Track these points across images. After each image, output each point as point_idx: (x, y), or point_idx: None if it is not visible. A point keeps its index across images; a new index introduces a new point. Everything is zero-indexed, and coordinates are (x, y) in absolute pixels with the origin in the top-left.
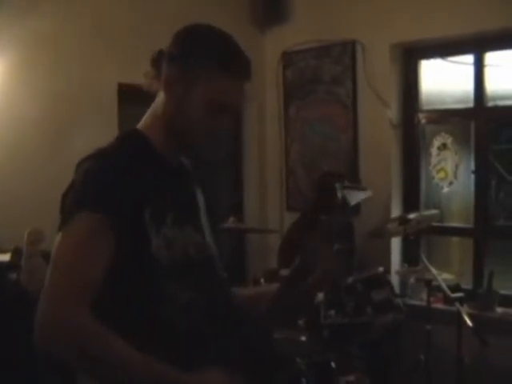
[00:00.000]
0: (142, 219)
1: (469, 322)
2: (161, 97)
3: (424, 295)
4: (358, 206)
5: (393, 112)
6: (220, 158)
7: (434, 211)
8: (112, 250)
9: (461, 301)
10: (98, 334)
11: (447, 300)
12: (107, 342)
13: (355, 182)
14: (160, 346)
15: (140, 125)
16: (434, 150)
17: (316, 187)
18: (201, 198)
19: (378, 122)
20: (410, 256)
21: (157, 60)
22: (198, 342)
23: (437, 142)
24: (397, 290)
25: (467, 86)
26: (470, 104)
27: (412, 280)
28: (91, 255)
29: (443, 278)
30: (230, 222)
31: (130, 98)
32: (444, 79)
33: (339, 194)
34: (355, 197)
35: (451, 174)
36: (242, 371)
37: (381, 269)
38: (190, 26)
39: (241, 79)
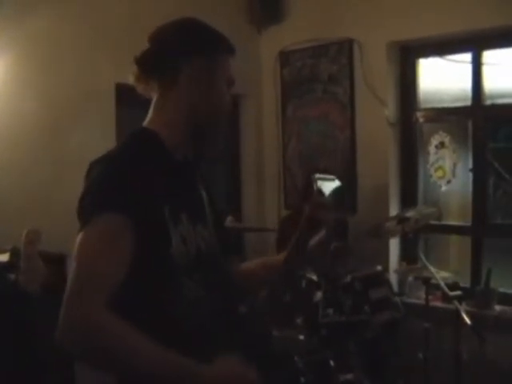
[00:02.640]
0: (163, 218)
1: (467, 320)
2: (171, 93)
3: (422, 293)
4: (351, 201)
5: (390, 110)
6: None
7: (432, 209)
8: (133, 250)
9: (459, 299)
10: (120, 332)
11: (445, 298)
12: (129, 340)
13: (328, 174)
14: (172, 342)
15: (147, 123)
16: (431, 149)
17: (304, 182)
18: (204, 195)
19: (375, 120)
20: (409, 254)
21: (148, 62)
22: (206, 338)
23: (434, 141)
24: (395, 288)
25: (465, 84)
26: (468, 102)
27: (410, 278)
28: (113, 255)
29: (441, 276)
30: (229, 221)
31: (128, 98)
32: (441, 77)
33: (315, 186)
34: (328, 187)
35: (449, 173)
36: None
37: (379, 267)
38: (174, 22)
39: (233, 54)
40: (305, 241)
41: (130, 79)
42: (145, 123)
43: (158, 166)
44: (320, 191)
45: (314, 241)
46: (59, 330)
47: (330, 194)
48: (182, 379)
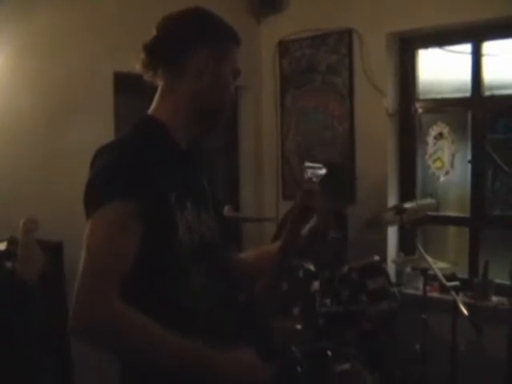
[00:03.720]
0: (170, 204)
1: (464, 311)
2: (178, 82)
3: (420, 284)
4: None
5: (389, 101)
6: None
7: (430, 200)
8: (141, 237)
9: (456, 290)
10: (133, 318)
11: (443, 289)
12: (143, 326)
13: (319, 163)
14: (181, 330)
15: (153, 111)
16: (430, 140)
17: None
18: (205, 184)
19: (374, 111)
20: (407, 245)
21: (156, 49)
22: (213, 325)
23: (433, 132)
24: (393, 279)
25: (464, 75)
26: (467, 93)
27: (408, 269)
28: (124, 243)
29: (439, 267)
30: (226, 211)
31: (126, 87)
32: (441, 68)
33: (305, 174)
34: (317, 174)
35: (448, 164)
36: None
37: (376, 258)
38: (183, 11)
39: (239, 45)
40: (298, 229)
41: (137, 66)
42: (150, 111)
43: (164, 154)
44: (310, 179)
45: (305, 229)
46: (74, 318)
47: (319, 182)
48: (198, 365)
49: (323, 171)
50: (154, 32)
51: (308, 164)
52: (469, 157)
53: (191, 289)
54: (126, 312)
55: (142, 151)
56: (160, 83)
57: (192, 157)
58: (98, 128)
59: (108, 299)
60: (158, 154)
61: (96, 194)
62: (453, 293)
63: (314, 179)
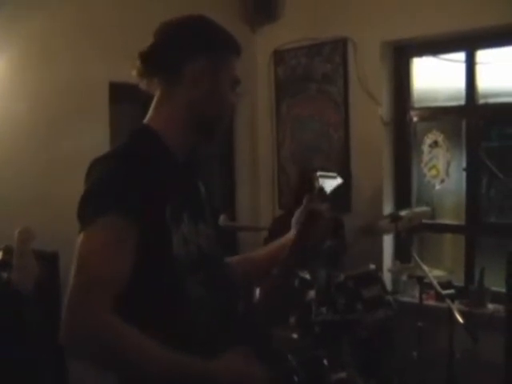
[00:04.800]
0: (165, 218)
1: (459, 319)
2: (174, 90)
3: (416, 292)
4: (345, 200)
5: (384, 110)
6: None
7: (425, 208)
8: (136, 249)
9: (452, 297)
10: (124, 332)
11: (439, 297)
12: (134, 340)
13: (330, 171)
14: (179, 342)
15: (148, 120)
16: (425, 148)
17: (298, 181)
18: (203, 193)
19: (369, 119)
20: (402, 253)
21: (152, 57)
22: (211, 337)
23: (428, 140)
24: (389, 287)
25: (459, 83)
26: (462, 101)
27: (404, 277)
28: (117, 257)
29: (435, 275)
30: (222, 220)
31: (122, 96)
32: (435, 77)
33: (316, 183)
34: (329, 184)
35: (443, 172)
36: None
37: (372, 266)
38: (182, 18)
39: (239, 55)
40: (306, 234)
41: (133, 74)
42: (146, 120)
43: (160, 166)
44: (321, 189)
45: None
46: (64, 331)
47: (330, 192)
48: (190, 377)
49: (338, 181)
50: (151, 39)
51: (320, 173)
52: (464, 164)
53: (189, 300)
54: (118, 326)
55: (137, 163)
56: (156, 92)
57: (190, 166)
58: (94, 137)
59: (99, 313)
60: (153, 165)
61: (90, 208)
62: (448, 301)
63: (327, 189)
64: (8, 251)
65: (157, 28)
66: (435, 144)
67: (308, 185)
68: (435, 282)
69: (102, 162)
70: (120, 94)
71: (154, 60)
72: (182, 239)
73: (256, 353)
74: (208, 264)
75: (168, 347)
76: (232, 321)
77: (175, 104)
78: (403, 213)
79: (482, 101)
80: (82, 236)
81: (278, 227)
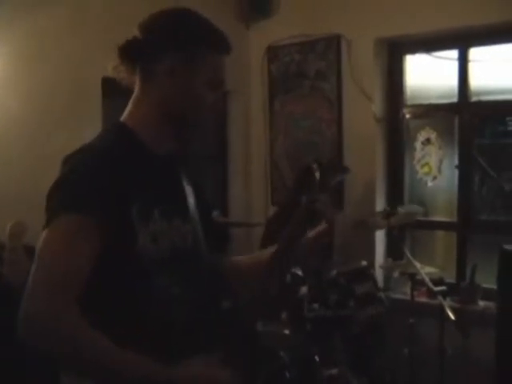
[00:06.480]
0: (130, 216)
1: (451, 316)
2: (149, 86)
3: (408, 289)
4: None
5: (377, 107)
6: (207, 141)
7: (417, 207)
8: (98, 248)
9: (444, 294)
10: (83, 329)
11: (430, 294)
12: (92, 338)
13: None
14: (149, 340)
15: (125, 117)
16: (418, 145)
17: (295, 176)
18: (189, 188)
19: (362, 116)
20: (394, 250)
21: (129, 50)
22: (188, 334)
23: (421, 137)
24: (381, 283)
25: (451, 81)
26: (454, 99)
27: (396, 274)
28: (77, 253)
29: (427, 271)
30: (215, 216)
31: (114, 92)
32: (428, 74)
33: (317, 174)
34: (332, 176)
35: (435, 169)
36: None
37: (364, 262)
38: (165, 11)
39: (226, 54)
40: (300, 234)
41: (109, 69)
42: (123, 116)
43: (131, 162)
44: (323, 178)
45: (310, 235)
46: (23, 325)
47: (334, 185)
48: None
49: (344, 175)
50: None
51: (323, 163)
52: (456, 162)
53: (158, 298)
54: (77, 322)
55: (105, 161)
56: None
57: (171, 162)
58: (86, 133)
59: (55, 307)
60: (123, 162)
61: (53, 205)
62: (440, 297)
63: (331, 183)
64: None
65: (141, 20)
66: (428, 141)
67: (308, 177)
68: (427, 279)
69: (71, 158)
70: (113, 88)
71: (128, 53)
72: (149, 236)
73: (239, 350)
74: (184, 260)
75: (133, 347)
76: (212, 318)
77: (149, 100)
78: (395, 210)
79: (474, 98)
80: (44, 233)
81: (274, 226)
